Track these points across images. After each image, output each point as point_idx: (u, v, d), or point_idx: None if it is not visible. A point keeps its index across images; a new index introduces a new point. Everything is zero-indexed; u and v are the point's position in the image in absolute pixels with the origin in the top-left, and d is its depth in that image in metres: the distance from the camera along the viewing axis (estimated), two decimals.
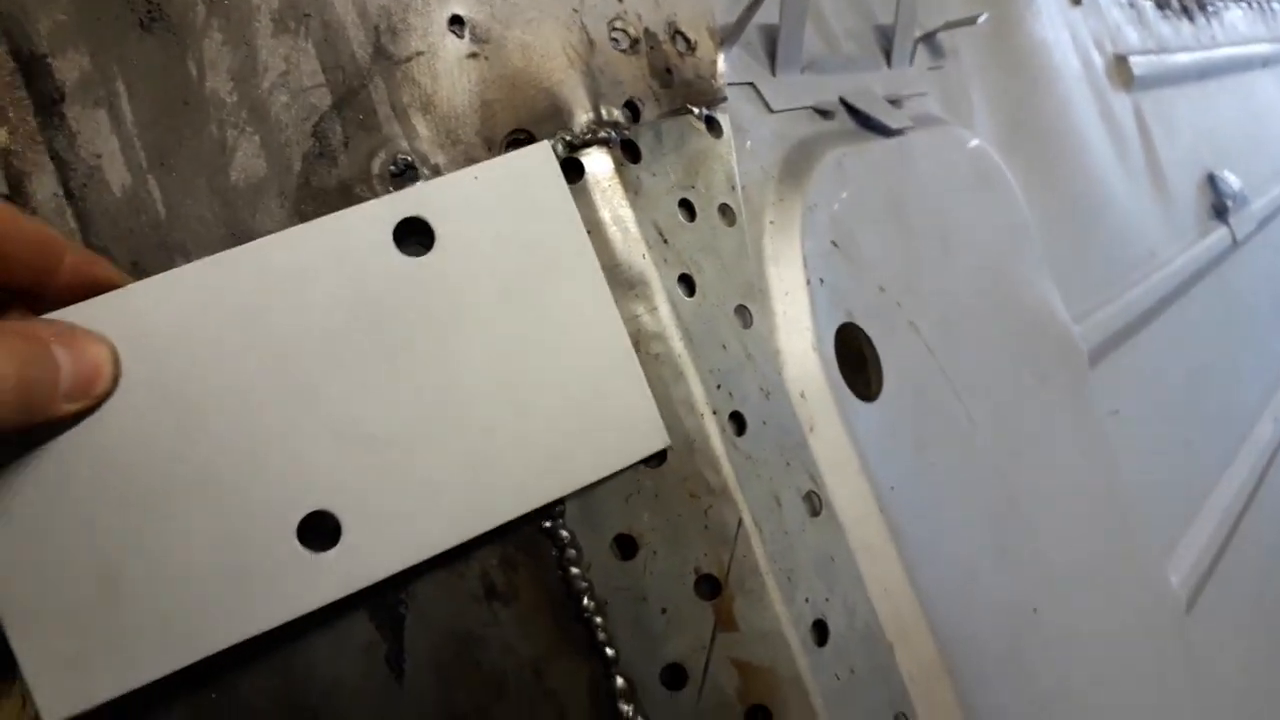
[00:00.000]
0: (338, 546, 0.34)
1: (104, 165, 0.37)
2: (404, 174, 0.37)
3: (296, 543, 0.33)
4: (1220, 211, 1.02)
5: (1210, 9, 1.40)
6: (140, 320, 0.33)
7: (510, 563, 0.37)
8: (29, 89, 0.37)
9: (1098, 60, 0.90)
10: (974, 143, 0.59)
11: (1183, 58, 1.11)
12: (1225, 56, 1.30)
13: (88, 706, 0.32)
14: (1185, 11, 1.27)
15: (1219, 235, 0.99)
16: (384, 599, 0.37)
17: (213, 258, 0.34)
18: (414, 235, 0.35)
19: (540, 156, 0.35)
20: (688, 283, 0.39)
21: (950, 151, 0.57)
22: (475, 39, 0.38)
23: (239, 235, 0.37)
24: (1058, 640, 0.50)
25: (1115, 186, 0.81)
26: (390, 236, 0.34)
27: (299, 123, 0.37)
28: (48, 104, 0.37)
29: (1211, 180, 1.04)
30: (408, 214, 0.35)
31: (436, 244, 0.35)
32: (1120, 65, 0.93)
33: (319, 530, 0.34)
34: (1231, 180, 1.05)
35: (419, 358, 0.34)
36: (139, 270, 0.36)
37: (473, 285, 0.35)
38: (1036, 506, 0.52)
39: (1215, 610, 0.67)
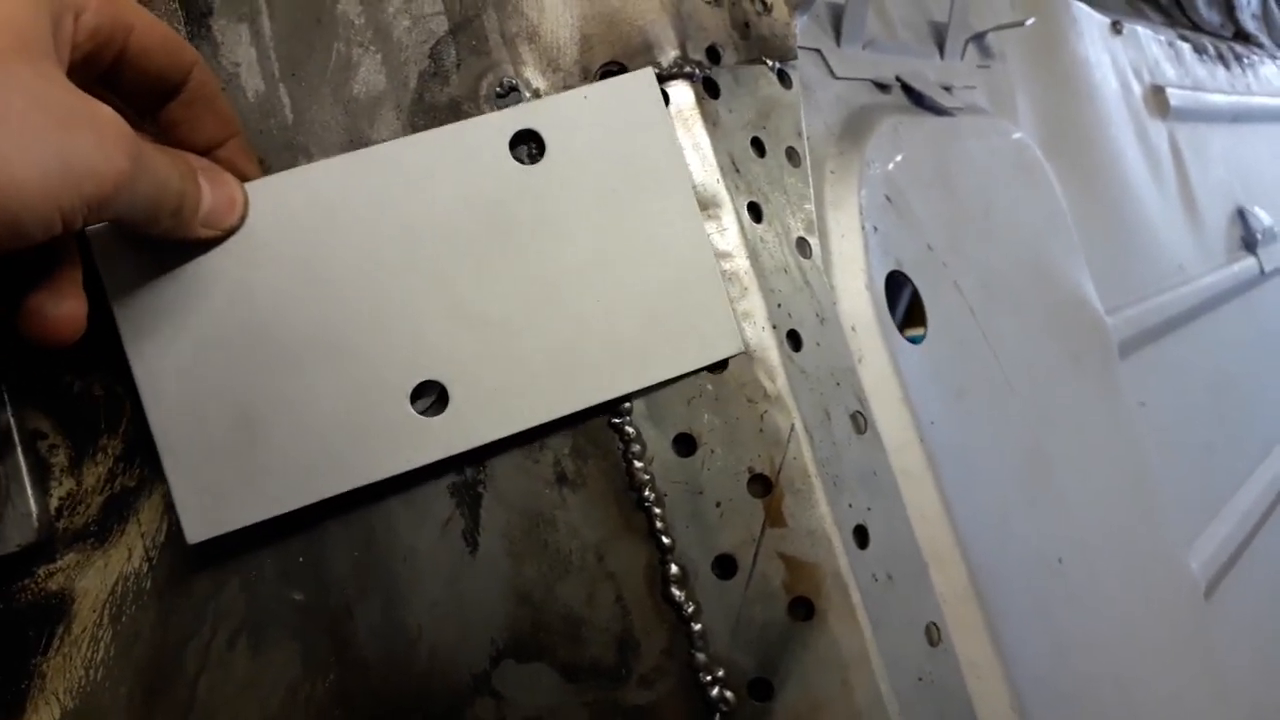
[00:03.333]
0: (445, 413, 0.37)
1: (242, 73, 0.41)
2: (508, 95, 0.41)
3: (409, 406, 0.37)
4: (1249, 244, 1.05)
5: (1245, 61, 1.44)
6: (287, 202, 0.37)
7: (580, 453, 0.41)
8: (181, 2, 0.41)
9: (1136, 87, 0.93)
10: (1017, 135, 0.63)
11: (1218, 98, 1.15)
12: (1260, 105, 1.33)
13: (223, 531, 0.36)
14: (1221, 58, 1.32)
15: (1246, 264, 1.01)
16: (465, 478, 0.40)
17: (353, 154, 0.38)
18: (526, 145, 0.39)
19: (644, 81, 0.39)
20: (755, 210, 0.43)
21: (995, 138, 0.60)
22: None
23: (357, 142, 0.41)
24: (1080, 594, 0.53)
25: (1148, 202, 0.85)
26: (507, 145, 0.38)
27: (418, 44, 0.41)
28: (198, 16, 0.41)
29: (1241, 214, 1.07)
30: (523, 126, 0.39)
31: (547, 154, 0.39)
32: (1157, 94, 0.97)
33: (429, 398, 0.38)
34: (1262, 216, 1.08)
35: (525, 253, 0.38)
36: (266, 168, 0.40)
37: (577, 192, 0.39)
38: (1065, 470, 0.55)
39: (1234, 602, 0.69)
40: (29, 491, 0.38)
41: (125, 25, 0.33)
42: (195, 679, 0.40)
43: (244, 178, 0.38)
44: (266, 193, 0.37)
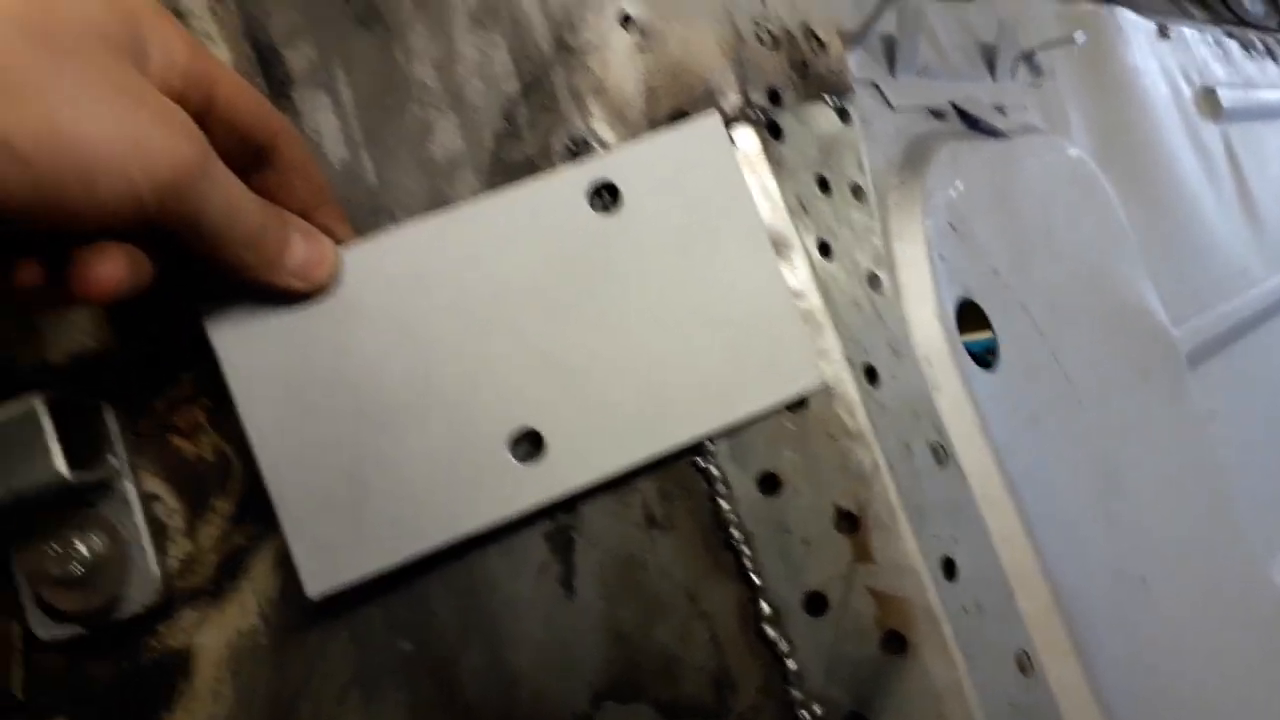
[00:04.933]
0: (543, 460, 0.39)
1: (324, 141, 0.43)
2: (579, 150, 0.42)
3: (509, 454, 0.38)
4: None
5: None
6: (379, 264, 0.39)
7: (667, 495, 0.41)
8: (265, 75, 0.43)
9: (1186, 90, 0.93)
10: (1073, 151, 0.63)
11: (1270, 94, 1.14)
12: None
13: (340, 585, 0.37)
14: (1270, 53, 1.30)
15: None
16: (557, 524, 0.41)
17: (438, 215, 0.40)
18: (602, 195, 0.40)
19: (711, 125, 0.41)
20: (825, 248, 0.44)
21: (1052, 157, 0.61)
22: (642, 33, 0.44)
23: (439, 203, 0.42)
24: (1163, 612, 0.53)
25: (1206, 207, 0.84)
26: (584, 197, 0.40)
27: (491, 106, 0.43)
28: (279, 87, 0.43)
29: None
30: (599, 176, 0.40)
31: (622, 202, 0.40)
32: (1209, 96, 0.96)
33: (527, 445, 0.39)
34: None
35: (607, 299, 0.39)
36: (354, 231, 0.42)
37: (653, 238, 0.40)
38: (1141, 487, 0.55)
39: None
40: (150, 555, 0.40)
41: (211, 75, 0.34)
42: None
43: (338, 242, 0.39)
44: (359, 257, 0.39)
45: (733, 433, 0.41)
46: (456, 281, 0.39)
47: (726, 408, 0.40)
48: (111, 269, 0.32)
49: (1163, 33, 0.93)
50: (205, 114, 0.35)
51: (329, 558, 0.37)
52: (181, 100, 0.33)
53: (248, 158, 0.37)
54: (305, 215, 0.39)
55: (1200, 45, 1.02)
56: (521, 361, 0.39)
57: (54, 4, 0.29)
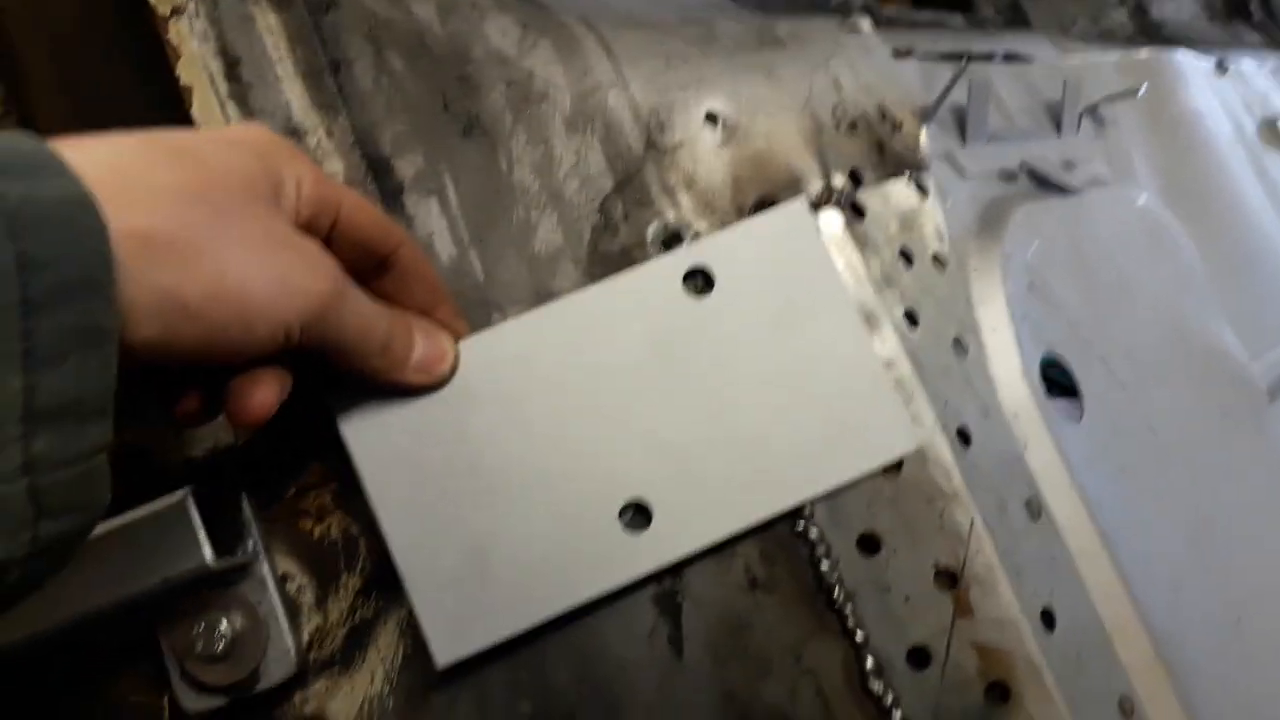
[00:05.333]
0: (651, 529, 0.41)
1: (435, 241, 0.46)
2: (672, 239, 0.45)
3: (618, 525, 0.41)
4: None
5: None
6: (493, 355, 0.42)
7: (769, 558, 0.44)
8: (376, 183, 0.47)
9: (1248, 123, 0.93)
10: (1142, 199, 0.64)
11: None
12: None
13: (468, 654, 0.40)
14: None
15: None
16: (664, 589, 0.44)
17: (546, 307, 0.43)
18: (696, 280, 0.43)
19: (798, 210, 0.43)
20: (911, 318, 0.46)
21: (1122, 207, 0.62)
22: (726, 129, 0.47)
23: (542, 294, 0.45)
24: (1262, 650, 0.53)
25: (1275, 237, 0.84)
26: (679, 283, 0.43)
27: (588, 203, 0.46)
28: (391, 195, 0.47)
29: None
30: (693, 264, 0.43)
31: (716, 286, 0.43)
32: (1269, 127, 0.96)
33: (635, 516, 0.42)
34: None
35: (705, 377, 0.42)
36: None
37: (747, 319, 0.43)
38: (1231, 527, 0.56)
39: None
40: (286, 630, 0.43)
41: (335, 199, 0.38)
42: None
43: (456, 336, 0.43)
44: (474, 349, 0.42)
45: (830, 497, 0.43)
46: (565, 367, 0.42)
47: (824, 475, 0.42)
48: (264, 394, 0.36)
49: (1221, 68, 0.94)
50: (331, 233, 0.38)
51: (455, 629, 0.40)
52: (312, 225, 0.37)
53: (369, 266, 0.40)
54: (423, 313, 0.42)
55: (1258, 77, 1.03)
56: (627, 438, 0.42)
57: (208, 165, 0.33)
